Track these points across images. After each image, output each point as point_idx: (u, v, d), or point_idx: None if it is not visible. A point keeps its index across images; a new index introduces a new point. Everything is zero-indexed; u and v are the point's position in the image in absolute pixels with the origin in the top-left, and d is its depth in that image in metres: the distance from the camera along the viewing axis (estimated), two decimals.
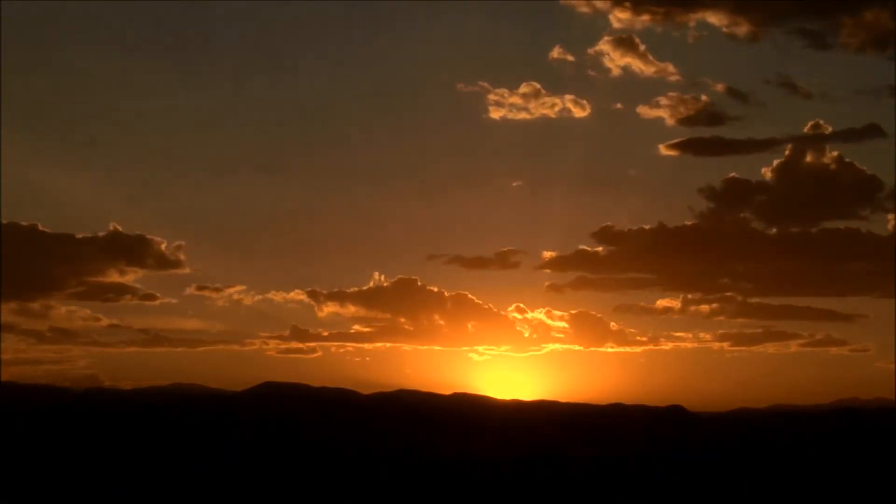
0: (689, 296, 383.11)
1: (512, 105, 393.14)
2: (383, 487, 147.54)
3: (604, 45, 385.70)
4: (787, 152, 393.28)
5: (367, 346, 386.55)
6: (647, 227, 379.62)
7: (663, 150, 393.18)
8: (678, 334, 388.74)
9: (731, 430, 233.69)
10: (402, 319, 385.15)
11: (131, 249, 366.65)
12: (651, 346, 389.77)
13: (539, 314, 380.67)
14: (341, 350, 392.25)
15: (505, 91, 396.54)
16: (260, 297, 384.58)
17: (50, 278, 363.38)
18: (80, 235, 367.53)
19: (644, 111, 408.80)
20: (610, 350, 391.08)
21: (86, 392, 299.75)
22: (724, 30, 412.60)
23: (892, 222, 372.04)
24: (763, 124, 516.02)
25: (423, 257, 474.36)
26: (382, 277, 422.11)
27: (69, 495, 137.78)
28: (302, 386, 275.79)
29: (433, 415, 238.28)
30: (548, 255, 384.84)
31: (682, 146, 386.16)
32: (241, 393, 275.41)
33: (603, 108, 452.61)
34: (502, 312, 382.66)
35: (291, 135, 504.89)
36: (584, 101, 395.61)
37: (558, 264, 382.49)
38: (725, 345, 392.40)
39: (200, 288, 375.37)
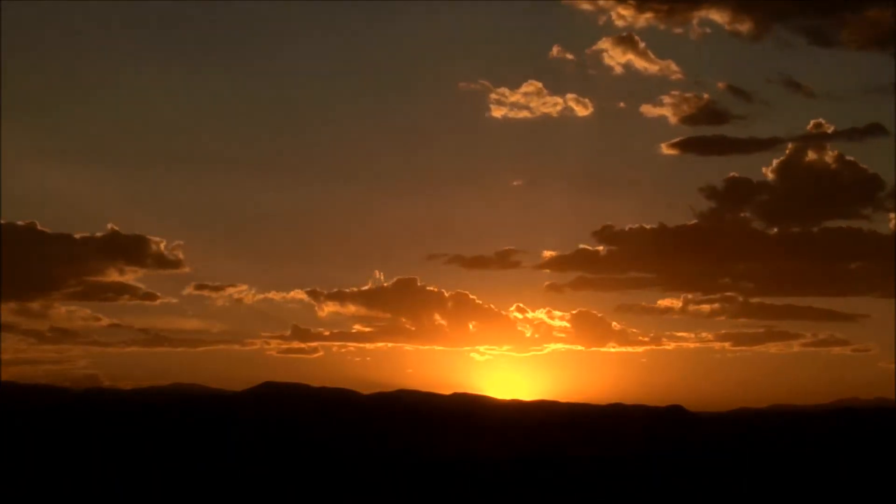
0: (690, 296, 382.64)
1: (513, 104, 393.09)
2: (383, 487, 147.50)
3: (606, 44, 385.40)
4: (787, 151, 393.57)
5: (368, 346, 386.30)
6: (647, 226, 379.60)
7: (665, 150, 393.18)
8: (679, 334, 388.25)
9: (731, 430, 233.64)
10: (403, 319, 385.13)
11: (131, 249, 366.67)
12: (653, 347, 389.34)
13: (540, 314, 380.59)
14: (343, 350, 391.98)
15: (506, 90, 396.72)
16: (260, 296, 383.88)
17: (50, 278, 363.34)
18: (79, 235, 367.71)
19: (646, 110, 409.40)
20: (612, 350, 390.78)
21: (86, 392, 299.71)
22: (727, 27, 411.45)
23: (894, 221, 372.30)
24: (766, 122, 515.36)
25: (424, 257, 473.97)
26: (382, 277, 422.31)
27: (69, 495, 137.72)
28: (302, 386, 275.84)
29: (433, 415, 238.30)
30: (548, 254, 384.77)
31: (684, 145, 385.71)
32: (241, 393, 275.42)
33: (604, 107, 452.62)
34: (503, 312, 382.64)
35: (291, 134, 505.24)
36: (586, 100, 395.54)
37: (558, 264, 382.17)
38: (727, 345, 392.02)
39: (201, 287, 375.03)
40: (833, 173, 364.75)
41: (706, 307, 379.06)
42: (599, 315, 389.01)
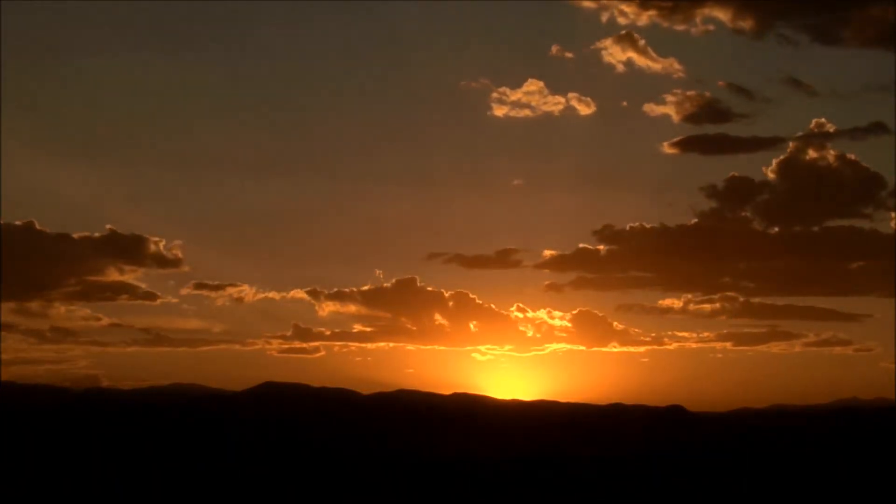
0: (691, 295, 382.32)
1: (514, 103, 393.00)
2: (383, 487, 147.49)
3: (608, 42, 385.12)
4: (789, 150, 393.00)
5: (369, 345, 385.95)
6: (648, 225, 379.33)
7: (666, 149, 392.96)
8: (681, 334, 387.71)
9: (731, 430, 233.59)
10: (404, 318, 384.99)
11: (130, 248, 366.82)
12: (654, 347, 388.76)
13: (541, 314, 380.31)
14: (345, 350, 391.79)
15: (507, 89, 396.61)
16: (260, 296, 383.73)
17: (49, 278, 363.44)
18: (78, 235, 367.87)
19: (648, 108, 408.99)
20: (614, 350, 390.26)
21: (86, 392, 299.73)
22: (730, 24, 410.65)
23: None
24: (769, 121, 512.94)
25: (424, 256, 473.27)
26: (382, 276, 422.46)
27: (69, 495, 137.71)
28: (302, 386, 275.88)
29: (433, 415, 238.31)
30: (548, 253, 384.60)
31: (685, 144, 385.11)
32: (241, 393, 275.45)
33: (606, 106, 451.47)
34: (504, 312, 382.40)
35: (291, 134, 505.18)
36: (588, 99, 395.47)
37: (559, 263, 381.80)
38: (727, 344, 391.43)
39: (201, 287, 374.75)
40: (834, 172, 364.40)
41: (707, 307, 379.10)
42: (600, 315, 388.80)
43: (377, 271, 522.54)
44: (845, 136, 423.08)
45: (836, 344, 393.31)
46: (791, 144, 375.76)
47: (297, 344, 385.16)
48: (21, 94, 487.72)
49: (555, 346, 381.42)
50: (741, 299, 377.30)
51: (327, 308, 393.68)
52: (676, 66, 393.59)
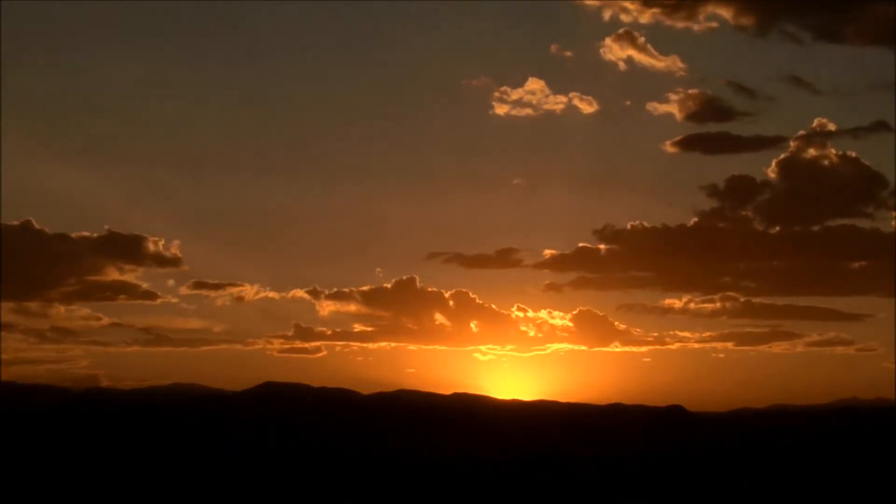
0: (692, 295, 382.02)
1: (516, 102, 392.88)
2: (383, 487, 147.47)
3: (610, 41, 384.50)
4: (790, 149, 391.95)
5: (371, 345, 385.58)
6: (648, 225, 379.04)
7: (668, 148, 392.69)
8: (682, 334, 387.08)
9: (731, 430, 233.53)
10: (404, 318, 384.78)
11: (129, 248, 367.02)
12: (657, 346, 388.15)
13: (542, 314, 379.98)
14: (346, 350, 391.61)
15: (509, 88, 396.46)
16: (260, 295, 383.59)
17: (49, 278, 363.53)
18: (78, 234, 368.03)
19: (651, 107, 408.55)
20: (616, 350, 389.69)
21: (86, 392, 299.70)
22: (733, 22, 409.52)
23: None
24: (771, 119, 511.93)
25: (424, 255, 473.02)
26: (382, 275, 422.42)
27: (69, 495, 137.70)
28: (302, 386, 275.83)
29: (433, 415, 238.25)
30: (549, 253, 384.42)
31: (687, 144, 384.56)
32: (241, 393, 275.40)
33: (608, 105, 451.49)
34: (504, 312, 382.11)
35: (292, 133, 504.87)
36: (590, 98, 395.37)
37: (559, 262, 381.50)
38: (729, 344, 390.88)
39: (201, 287, 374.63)
40: (835, 171, 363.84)
41: (708, 306, 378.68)
42: (601, 314, 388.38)
43: (377, 270, 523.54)
44: (847, 135, 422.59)
45: (839, 344, 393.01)
46: (792, 144, 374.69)
47: (298, 344, 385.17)
48: (21, 94, 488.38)
49: (556, 345, 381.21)
50: (742, 299, 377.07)
51: (327, 308, 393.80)
52: (679, 64, 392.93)
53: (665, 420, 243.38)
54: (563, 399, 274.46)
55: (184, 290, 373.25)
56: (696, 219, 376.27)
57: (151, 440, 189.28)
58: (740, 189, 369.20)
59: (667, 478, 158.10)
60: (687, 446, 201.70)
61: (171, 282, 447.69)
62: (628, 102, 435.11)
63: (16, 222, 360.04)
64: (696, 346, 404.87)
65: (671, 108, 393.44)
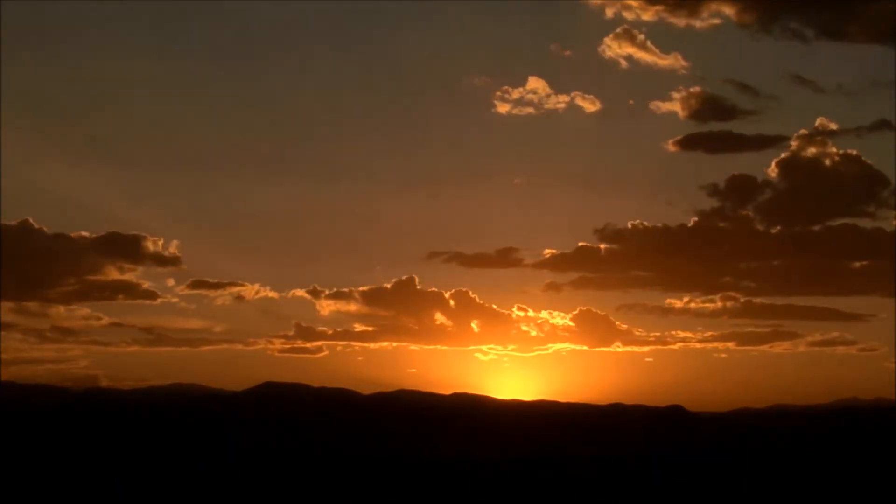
0: (692, 295, 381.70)
1: (518, 100, 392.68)
2: (383, 487, 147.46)
3: (612, 40, 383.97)
4: (791, 148, 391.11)
5: (372, 345, 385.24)
6: (649, 224, 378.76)
7: (669, 147, 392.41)
8: (684, 334, 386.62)
9: (731, 430, 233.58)
10: (404, 318, 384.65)
11: (129, 248, 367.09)
12: (659, 346, 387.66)
13: (544, 314, 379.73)
14: (348, 350, 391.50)
15: (510, 87, 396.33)
16: (260, 295, 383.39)
17: (49, 277, 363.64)
18: (79, 234, 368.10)
19: (653, 106, 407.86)
20: (618, 350, 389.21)
21: (86, 392, 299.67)
22: (735, 19, 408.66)
23: None
24: (774, 118, 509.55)
25: (424, 254, 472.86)
26: (382, 275, 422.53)
27: (69, 495, 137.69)
28: (302, 386, 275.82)
29: (433, 415, 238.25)
30: (549, 252, 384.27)
31: (689, 143, 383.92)
32: (241, 393, 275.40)
33: (611, 104, 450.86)
34: (505, 311, 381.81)
35: (292, 132, 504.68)
36: (592, 97, 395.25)
37: (559, 262, 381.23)
38: (730, 344, 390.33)
39: (201, 286, 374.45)
40: (836, 171, 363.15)
41: (709, 306, 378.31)
42: (602, 314, 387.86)
43: (377, 268, 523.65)
44: (850, 134, 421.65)
45: (841, 344, 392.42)
46: (793, 143, 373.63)
47: (299, 343, 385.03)
48: (20, 94, 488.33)
49: (558, 345, 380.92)
50: (742, 299, 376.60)
51: (328, 307, 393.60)
52: (682, 62, 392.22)
53: (665, 420, 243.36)
54: (564, 399, 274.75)
55: (184, 290, 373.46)
56: (696, 218, 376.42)
57: (151, 440, 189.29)
58: (741, 188, 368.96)
59: (667, 478, 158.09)
60: (687, 446, 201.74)
61: (171, 281, 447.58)
62: (631, 101, 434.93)
63: (15, 222, 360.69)
64: (698, 346, 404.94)
65: (674, 106, 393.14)
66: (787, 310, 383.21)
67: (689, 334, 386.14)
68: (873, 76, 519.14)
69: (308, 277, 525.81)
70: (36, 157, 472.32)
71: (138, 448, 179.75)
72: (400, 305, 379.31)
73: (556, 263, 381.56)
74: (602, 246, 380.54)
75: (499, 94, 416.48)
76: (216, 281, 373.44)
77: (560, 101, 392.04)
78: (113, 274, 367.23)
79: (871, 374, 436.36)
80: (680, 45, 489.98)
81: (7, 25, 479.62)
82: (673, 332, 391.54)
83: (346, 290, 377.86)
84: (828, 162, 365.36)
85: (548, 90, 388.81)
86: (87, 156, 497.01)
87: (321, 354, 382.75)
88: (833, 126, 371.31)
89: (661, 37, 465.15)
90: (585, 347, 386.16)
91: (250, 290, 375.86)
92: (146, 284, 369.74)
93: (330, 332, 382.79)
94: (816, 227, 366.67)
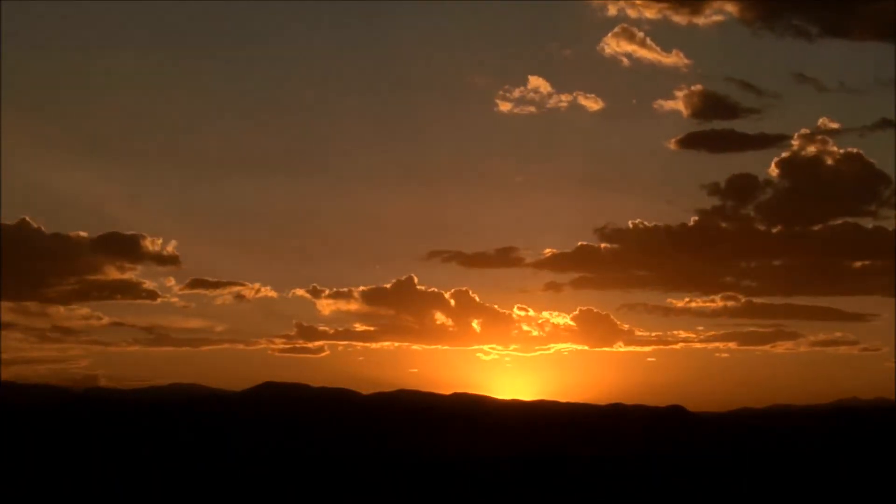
0: (693, 295, 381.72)
1: (519, 99, 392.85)
2: (383, 487, 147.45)
3: (613, 38, 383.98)
4: (793, 147, 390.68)
5: (373, 345, 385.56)
6: (649, 223, 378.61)
7: (670, 146, 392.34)
8: (685, 334, 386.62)
9: (731, 430, 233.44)
10: (404, 317, 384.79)
11: (129, 248, 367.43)
12: (661, 346, 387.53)
13: (545, 314, 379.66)
14: (349, 349, 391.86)
15: (511, 86, 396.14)
16: (261, 294, 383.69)
17: (49, 277, 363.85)
18: (78, 234, 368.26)
19: (655, 105, 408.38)
20: (620, 350, 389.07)
21: (86, 392, 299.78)
22: (738, 16, 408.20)
23: None
24: (778, 117, 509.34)
25: (424, 254, 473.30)
26: (382, 274, 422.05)
27: (69, 495, 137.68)
28: (302, 386, 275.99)
29: (433, 415, 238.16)
30: (549, 251, 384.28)
31: (691, 141, 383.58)
32: (241, 393, 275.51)
33: (613, 102, 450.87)
34: (505, 311, 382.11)
35: (293, 132, 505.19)
36: (593, 96, 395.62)
37: (560, 261, 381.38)
38: (732, 344, 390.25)
39: (201, 286, 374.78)
40: (837, 169, 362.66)
41: (710, 306, 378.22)
42: (602, 314, 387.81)
43: (377, 268, 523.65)
44: (852, 133, 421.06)
45: (843, 344, 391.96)
46: (795, 142, 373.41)
47: (300, 343, 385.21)
48: (20, 94, 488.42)
49: (559, 345, 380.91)
50: (743, 299, 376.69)
51: (328, 307, 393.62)
52: (684, 60, 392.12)
53: (665, 420, 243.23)
54: (564, 399, 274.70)
55: (184, 290, 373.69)
56: (697, 218, 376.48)
57: (151, 440, 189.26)
58: (742, 188, 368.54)
59: (667, 478, 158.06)
60: (687, 446, 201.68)
61: (170, 281, 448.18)
62: (634, 101, 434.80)
63: (14, 222, 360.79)
64: (700, 345, 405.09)
65: (677, 104, 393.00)
66: (788, 310, 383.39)
67: (690, 334, 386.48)
68: (876, 74, 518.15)
69: (308, 277, 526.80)
70: (35, 157, 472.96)
71: (138, 448, 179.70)
72: (400, 305, 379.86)
73: (557, 263, 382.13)
74: (602, 245, 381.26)
75: (500, 93, 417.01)
76: (216, 280, 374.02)
77: (562, 101, 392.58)
78: (112, 273, 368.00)
79: (871, 375, 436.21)
80: (682, 43, 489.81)
81: (7, 25, 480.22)
82: (674, 332, 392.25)
83: (346, 289, 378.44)
84: (829, 161, 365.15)
85: (549, 89, 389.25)
86: (86, 155, 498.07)
87: (322, 354, 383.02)
88: (835, 125, 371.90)
89: (664, 35, 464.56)
90: (586, 347, 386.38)
91: (250, 290, 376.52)
92: (146, 284, 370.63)
93: (331, 331, 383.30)
94: (818, 227, 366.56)
